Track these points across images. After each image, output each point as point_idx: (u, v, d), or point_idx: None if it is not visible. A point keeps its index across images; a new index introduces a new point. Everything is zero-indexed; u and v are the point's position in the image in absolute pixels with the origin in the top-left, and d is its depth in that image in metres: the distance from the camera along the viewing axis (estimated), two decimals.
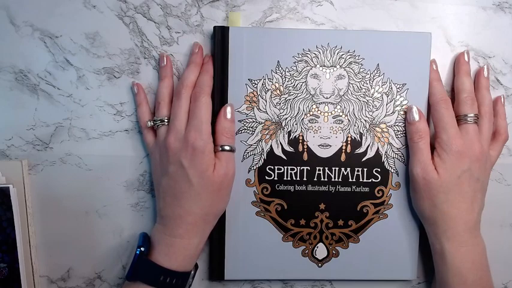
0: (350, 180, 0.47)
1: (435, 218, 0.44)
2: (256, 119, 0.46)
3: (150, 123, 0.45)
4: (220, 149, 0.44)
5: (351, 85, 0.46)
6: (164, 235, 0.43)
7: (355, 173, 0.47)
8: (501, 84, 0.49)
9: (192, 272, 0.45)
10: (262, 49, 0.45)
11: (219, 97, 0.46)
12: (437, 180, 0.43)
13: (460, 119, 0.45)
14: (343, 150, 0.47)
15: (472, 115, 0.44)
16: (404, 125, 0.47)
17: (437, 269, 0.45)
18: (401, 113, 0.47)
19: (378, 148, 0.47)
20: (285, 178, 0.47)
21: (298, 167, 0.47)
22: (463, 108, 0.45)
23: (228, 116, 0.44)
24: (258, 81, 0.46)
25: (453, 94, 0.48)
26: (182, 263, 0.43)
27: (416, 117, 0.45)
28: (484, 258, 0.45)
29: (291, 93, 0.46)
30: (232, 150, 0.44)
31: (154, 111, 0.46)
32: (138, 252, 0.42)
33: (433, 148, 0.45)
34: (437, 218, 0.44)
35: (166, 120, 0.45)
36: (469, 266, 0.43)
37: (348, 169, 0.47)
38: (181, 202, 0.42)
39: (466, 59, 0.47)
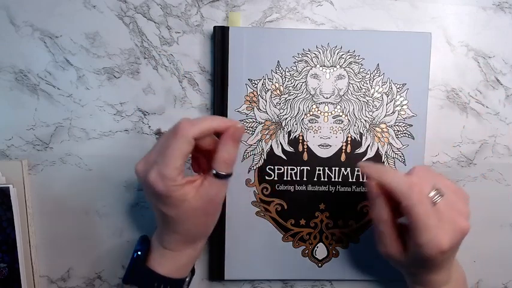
0: (350, 180, 0.47)
1: (408, 275, 0.42)
2: (256, 119, 0.46)
3: (156, 131, 0.41)
4: (215, 172, 0.38)
5: (351, 85, 0.46)
6: (158, 244, 0.42)
7: (355, 173, 0.47)
8: (501, 84, 0.49)
9: (187, 279, 0.44)
10: (262, 49, 0.45)
11: (219, 97, 0.46)
12: (405, 263, 0.39)
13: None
14: (343, 150, 0.47)
15: (432, 193, 0.37)
16: (405, 126, 0.47)
17: None
18: (402, 113, 0.46)
19: (378, 148, 0.47)
20: (285, 178, 0.47)
21: (298, 167, 0.47)
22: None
23: (238, 141, 0.39)
24: (258, 81, 0.46)
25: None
26: (176, 272, 0.42)
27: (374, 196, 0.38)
28: (465, 284, 0.43)
29: (291, 93, 0.46)
30: (228, 175, 0.39)
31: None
32: (135, 256, 0.42)
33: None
34: (410, 276, 0.42)
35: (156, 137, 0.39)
36: None
37: (348, 169, 0.47)
38: (165, 225, 0.40)
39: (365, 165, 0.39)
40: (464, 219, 0.37)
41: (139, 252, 0.42)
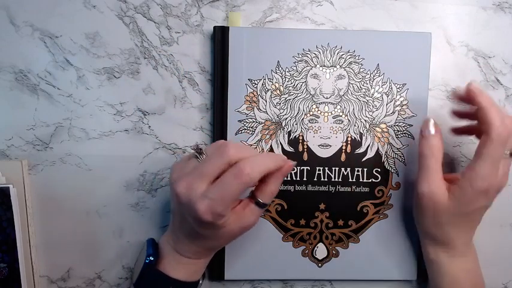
0: (350, 180, 0.47)
1: (434, 234, 0.43)
2: (256, 119, 0.46)
3: (194, 147, 0.38)
4: (257, 202, 0.39)
5: (351, 85, 0.46)
6: (173, 251, 0.42)
7: (355, 173, 0.47)
8: (501, 84, 0.49)
9: (200, 281, 0.45)
10: (262, 49, 0.45)
11: (219, 97, 0.46)
12: (445, 206, 0.41)
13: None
14: (343, 150, 0.47)
15: (508, 151, 0.40)
16: (405, 126, 0.46)
17: (431, 277, 0.45)
18: (402, 113, 0.46)
19: (378, 148, 0.47)
20: (285, 178, 0.47)
21: (298, 167, 0.47)
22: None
23: (285, 176, 0.40)
24: (258, 81, 0.46)
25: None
26: (191, 276, 0.43)
27: (432, 131, 0.41)
28: (477, 265, 0.45)
29: (291, 93, 0.46)
30: (266, 206, 0.41)
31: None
32: (147, 261, 0.41)
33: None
34: (437, 235, 0.43)
35: (199, 157, 0.38)
36: (464, 274, 0.43)
37: (348, 169, 0.47)
38: (190, 240, 0.41)
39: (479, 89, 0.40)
40: (507, 179, 0.41)
41: (151, 258, 0.42)
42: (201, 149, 0.38)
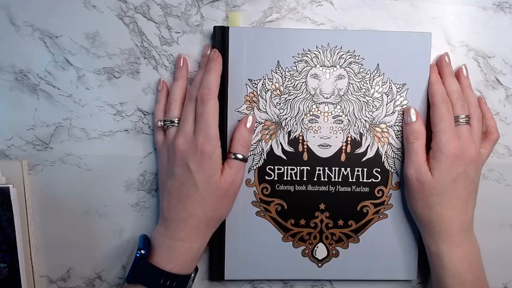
0: (350, 180, 0.47)
1: (429, 220, 0.44)
2: (256, 119, 0.46)
3: (160, 123, 0.45)
4: (233, 156, 0.43)
5: (351, 85, 0.46)
6: (166, 238, 0.43)
7: (355, 173, 0.47)
8: (501, 84, 0.49)
9: (192, 275, 0.45)
10: (262, 49, 0.45)
11: (219, 97, 0.46)
12: (431, 182, 0.43)
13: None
14: (343, 150, 0.47)
15: (463, 116, 0.44)
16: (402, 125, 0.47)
17: (433, 271, 0.45)
18: (401, 113, 0.46)
19: (378, 148, 0.47)
20: (285, 178, 0.47)
21: (298, 167, 0.47)
22: (455, 110, 0.44)
23: (248, 125, 0.44)
24: (258, 81, 0.46)
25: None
26: (183, 267, 0.43)
27: (413, 118, 0.45)
28: (479, 258, 0.45)
29: (291, 93, 0.46)
30: (244, 159, 0.44)
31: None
32: (138, 255, 0.42)
33: (428, 149, 0.45)
34: (432, 220, 0.44)
35: (176, 122, 0.44)
36: (466, 266, 0.43)
37: (348, 169, 0.47)
38: (185, 205, 0.42)
39: (447, 60, 0.46)
40: (475, 148, 0.44)
41: (142, 251, 0.42)
42: (165, 119, 0.45)
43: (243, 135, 0.44)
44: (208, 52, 0.45)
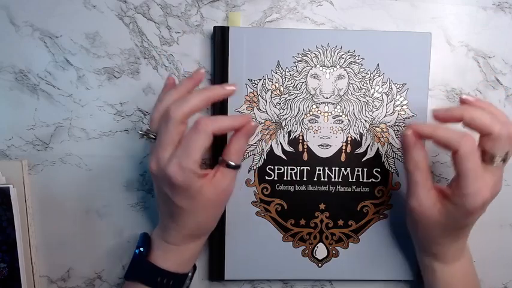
0: (350, 180, 0.47)
1: (427, 247, 0.43)
2: (256, 119, 0.46)
3: (141, 133, 0.40)
4: (226, 164, 0.40)
5: (351, 85, 0.46)
6: (161, 240, 0.43)
7: (355, 173, 0.47)
8: (501, 84, 0.49)
9: (190, 274, 0.45)
10: (262, 49, 0.45)
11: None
12: (436, 220, 0.39)
13: (486, 160, 0.38)
14: (343, 150, 0.47)
15: (503, 154, 0.37)
16: (405, 126, 0.47)
17: (426, 281, 0.45)
18: (402, 113, 0.46)
19: (378, 148, 0.47)
20: (285, 178, 0.47)
21: (298, 167, 0.47)
22: (493, 149, 0.37)
23: (249, 136, 0.41)
24: (258, 81, 0.46)
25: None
26: (179, 266, 0.43)
27: (412, 142, 0.38)
28: (471, 267, 0.45)
29: (291, 93, 0.46)
30: (238, 167, 0.41)
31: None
32: (137, 252, 0.42)
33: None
34: (430, 248, 0.43)
35: (154, 137, 0.40)
36: (459, 277, 0.43)
37: (348, 169, 0.47)
38: (174, 219, 0.41)
39: (472, 98, 0.39)
40: (501, 185, 0.39)
41: (141, 249, 0.42)
42: (146, 130, 0.40)
43: (241, 144, 0.40)
44: (202, 71, 0.41)
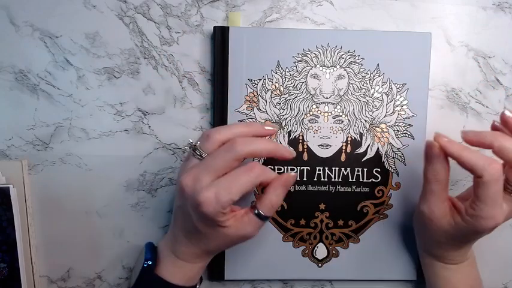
0: (350, 180, 0.47)
1: (430, 246, 0.43)
2: (256, 119, 0.46)
3: (188, 146, 0.40)
4: (257, 213, 0.39)
5: (351, 85, 0.46)
6: (171, 253, 0.42)
7: (355, 173, 0.47)
8: (501, 84, 0.49)
9: (198, 286, 0.45)
10: (262, 49, 0.45)
11: (219, 97, 0.46)
12: (445, 230, 0.39)
13: (508, 189, 0.38)
14: (343, 150, 0.47)
15: None
16: (405, 126, 0.46)
17: (427, 278, 0.45)
18: (402, 113, 0.46)
19: (378, 148, 0.47)
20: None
21: (298, 167, 0.47)
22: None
23: (288, 187, 0.39)
24: (258, 81, 0.46)
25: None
26: (187, 281, 0.42)
27: (437, 153, 0.38)
28: (474, 267, 0.44)
29: (291, 93, 0.46)
30: (267, 218, 0.39)
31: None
32: (145, 265, 0.41)
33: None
34: (433, 247, 0.43)
35: (202, 156, 0.39)
36: (460, 277, 0.43)
37: (348, 169, 0.47)
38: (188, 237, 0.41)
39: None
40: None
41: (149, 262, 0.41)
42: (195, 145, 0.39)
43: (279, 197, 0.39)
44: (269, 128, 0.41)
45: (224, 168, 0.37)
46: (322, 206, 0.47)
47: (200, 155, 0.39)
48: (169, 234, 0.43)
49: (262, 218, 0.39)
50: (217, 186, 0.36)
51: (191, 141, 0.40)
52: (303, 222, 0.48)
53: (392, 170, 0.47)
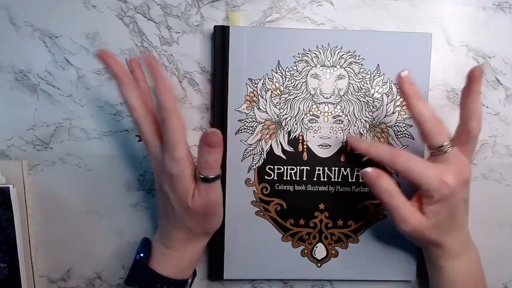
0: (350, 180, 0.47)
1: (427, 247, 0.44)
2: (256, 118, 0.46)
3: (137, 138, 0.43)
4: (202, 177, 0.39)
5: (351, 85, 0.46)
6: (160, 244, 0.43)
7: (355, 173, 0.47)
8: (501, 84, 0.49)
9: (189, 280, 0.45)
10: (263, 49, 0.45)
11: (219, 97, 0.46)
12: (427, 225, 0.40)
13: (437, 153, 0.39)
14: (343, 150, 0.47)
15: (447, 142, 0.39)
16: (405, 126, 0.46)
17: (431, 277, 0.45)
18: (402, 113, 0.46)
19: None
20: (285, 178, 0.47)
21: (298, 167, 0.47)
22: (435, 140, 0.39)
23: (210, 146, 0.37)
24: (258, 80, 0.46)
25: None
26: (178, 272, 0.43)
27: (374, 176, 0.40)
28: (478, 265, 0.44)
29: (291, 93, 0.46)
30: (213, 179, 0.39)
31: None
32: (137, 257, 0.42)
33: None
34: (431, 245, 0.43)
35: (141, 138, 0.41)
36: (464, 275, 0.43)
37: (348, 169, 0.47)
38: (170, 220, 0.42)
39: (409, 81, 0.39)
40: (467, 168, 0.40)
41: (141, 254, 0.42)
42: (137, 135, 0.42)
43: (206, 157, 0.38)
44: (135, 62, 0.43)
45: (152, 133, 0.39)
46: (321, 206, 0.47)
47: (140, 138, 0.41)
48: (159, 227, 0.44)
49: (209, 180, 0.39)
50: (165, 150, 0.38)
51: (137, 135, 0.42)
52: (302, 222, 0.48)
53: (391, 170, 0.47)
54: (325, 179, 0.47)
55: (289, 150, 0.47)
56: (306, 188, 0.47)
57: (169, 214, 0.41)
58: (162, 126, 0.38)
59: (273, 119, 0.46)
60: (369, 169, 0.40)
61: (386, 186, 0.40)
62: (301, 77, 0.46)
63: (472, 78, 0.40)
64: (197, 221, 0.41)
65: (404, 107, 0.46)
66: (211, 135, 0.37)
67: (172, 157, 0.38)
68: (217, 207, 0.41)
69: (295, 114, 0.46)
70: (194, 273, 0.46)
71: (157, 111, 0.38)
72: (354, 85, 0.46)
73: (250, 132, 0.46)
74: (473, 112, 0.40)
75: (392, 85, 0.46)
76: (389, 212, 0.41)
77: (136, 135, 0.43)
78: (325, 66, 0.46)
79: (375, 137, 0.47)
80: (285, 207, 0.47)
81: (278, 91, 0.46)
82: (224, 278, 0.48)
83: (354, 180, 0.47)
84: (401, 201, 0.40)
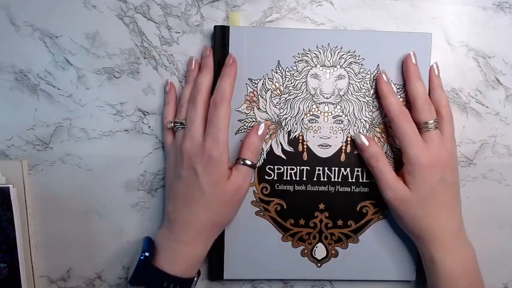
0: (350, 180, 0.47)
1: (418, 232, 0.44)
2: (256, 118, 0.46)
3: (170, 125, 0.45)
4: (242, 162, 0.44)
5: (351, 85, 0.46)
6: (170, 241, 0.43)
7: (355, 173, 0.47)
8: (501, 84, 0.49)
9: (195, 279, 0.45)
10: (263, 49, 0.45)
11: None
12: (410, 197, 0.43)
13: (421, 127, 0.43)
14: (343, 150, 0.47)
15: (432, 121, 0.43)
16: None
17: (428, 276, 0.45)
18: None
19: None
20: (285, 178, 0.47)
21: (298, 167, 0.47)
22: (422, 116, 0.43)
23: (260, 132, 0.44)
24: (258, 80, 0.46)
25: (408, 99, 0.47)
26: (186, 270, 0.43)
27: (366, 142, 0.45)
28: (474, 263, 0.44)
29: (291, 93, 0.46)
30: (253, 166, 0.44)
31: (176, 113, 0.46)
32: (142, 257, 0.42)
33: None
34: (421, 231, 0.43)
35: (184, 124, 0.44)
36: (460, 272, 0.43)
37: (348, 169, 0.47)
38: (190, 208, 0.42)
39: (414, 61, 0.44)
40: (446, 152, 0.43)
41: (146, 254, 0.42)
42: (174, 122, 0.45)
43: (254, 141, 0.44)
44: (208, 53, 0.45)
45: (201, 116, 0.43)
46: (321, 206, 0.47)
47: (181, 124, 0.44)
48: (164, 224, 0.45)
49: (249, 165, 0.44)
50: (208, 134, 0.42)
51: (170, 122, 0.46)
52: (302, 222, 0.48)
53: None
54: (325, 179, 0.47)
55: (289, 150, 0.47)
56: (306, 188, 0.47)
57: (192, 202, 0.42)
58: (212, 111, 0.42)
59: (273, 119, 0.46)
60: (362, 134, 0.45)
61: (375, 150, 0.44)
62: (301, 77, 0.46)
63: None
64: (222, 206, 0.43)
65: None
66: (262, 125, 0.45)
67: (217, 139, 0.41)
68: (244, 195, 0.45)
69: (295, 114, 0.46)
70: (199, 273, 0.46)
71: (213, 96, 0.43)
72: (354, 85, 0.46)
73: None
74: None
75: (393, 85, 0.46)
76: (376, 179, 0.44)
77: (170, 122, 0.45)
78: (325, 66, 0.46)
79: (375, 137, 0.47)
80: (285, 207, 0.47)
81: (278, 91, 0.46)
82: (224, 278, 0.48)
83: (354, 180, 0.47)
84: (387, 167, 0.44)
